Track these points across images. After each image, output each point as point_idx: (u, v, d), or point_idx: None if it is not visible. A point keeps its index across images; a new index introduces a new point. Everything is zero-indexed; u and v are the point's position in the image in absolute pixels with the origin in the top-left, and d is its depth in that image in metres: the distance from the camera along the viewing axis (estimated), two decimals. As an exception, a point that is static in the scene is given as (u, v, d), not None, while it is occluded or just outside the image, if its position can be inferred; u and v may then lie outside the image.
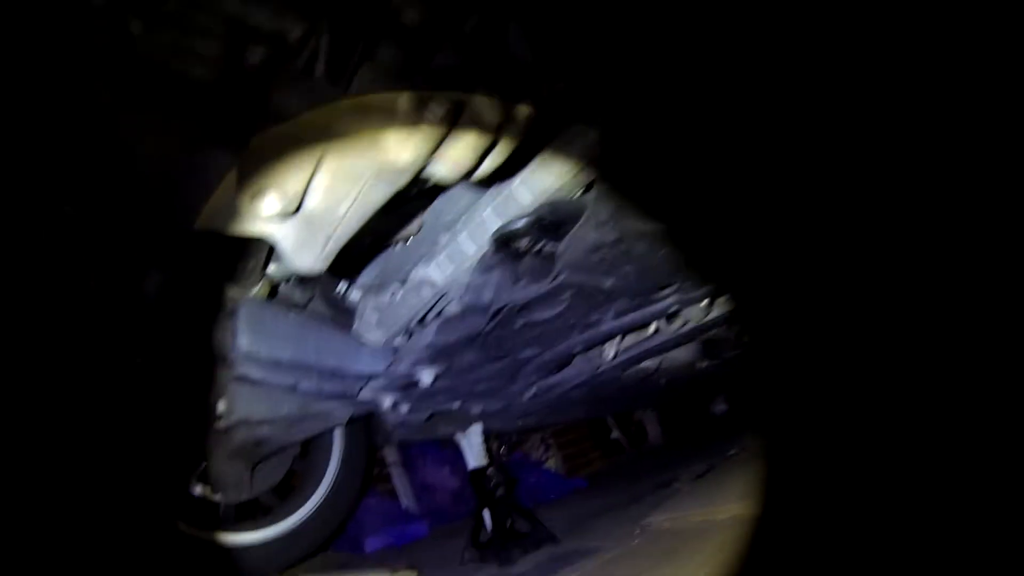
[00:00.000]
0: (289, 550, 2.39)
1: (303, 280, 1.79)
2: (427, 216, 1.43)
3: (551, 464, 4.08)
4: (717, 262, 1.51)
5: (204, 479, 2.34)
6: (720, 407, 4.53)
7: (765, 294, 1.85)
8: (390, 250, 1.59)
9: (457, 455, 3.49)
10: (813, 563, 1.53)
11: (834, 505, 1.79)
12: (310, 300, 1.74)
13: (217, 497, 2.37)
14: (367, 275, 1.64)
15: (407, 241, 1.54)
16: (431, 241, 1.46)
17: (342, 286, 1.75)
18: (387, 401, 1.85)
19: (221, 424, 1.95)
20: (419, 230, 1.46)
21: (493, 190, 1.30)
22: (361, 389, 1.78)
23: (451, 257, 1.46)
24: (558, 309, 1.38)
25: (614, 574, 1.85)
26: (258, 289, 1.61)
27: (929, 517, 1.39)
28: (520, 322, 1.39)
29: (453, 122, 0.93)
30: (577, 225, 1.15)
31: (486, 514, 2.36)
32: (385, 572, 2.22)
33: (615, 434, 4.63)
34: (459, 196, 1.34)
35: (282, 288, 1.76)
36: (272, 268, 1.64)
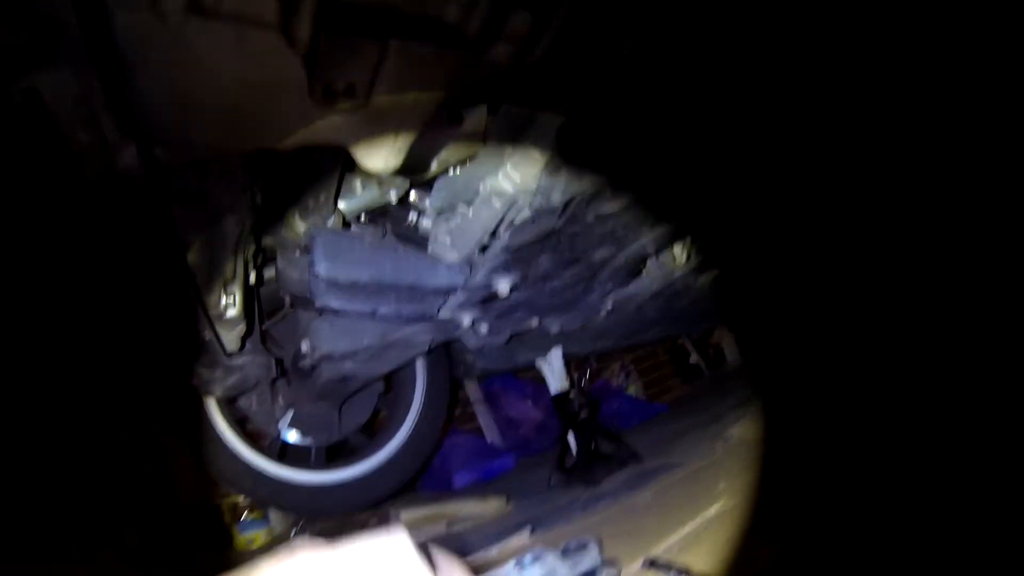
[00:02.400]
0: (380, 485, 2.46)
1: (373, 217, 1.81)
2: (495, 127, 1.42)
3: (632, 391, 4.08)
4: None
5: (296, 424, 2.42)
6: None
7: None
8: (454, 173, 1.59)
9: (538, 389, 3.53)
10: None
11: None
12: (384, 237, 1.77)
13: (308, 441, 2.45)
14: (435, 201, 1.65)
15: (471, 160, 1.54)
16: (497, 153, 1.46)
17: (412, 217, 1.76)
18: (466, 319, 1.86)
19: (306, 363, 2.01)
20: (484, 142, 1.46)
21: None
22: (440, 308, 1.79)
23: (518, 165, 1.47)
24: (627, 198, 1.37)
25: (700, 483, 1.86)
26: (331, 223, 1.64)
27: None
28: (591, 216, 1.38)
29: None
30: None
31: (571, 437, 2.38)
32: (475, 500, 2.27)
33: (694, 358, 4.59)
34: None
35: (353, 227, 1.78)
36: (342, 204, 1.67)
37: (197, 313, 1.66)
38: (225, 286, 1.65)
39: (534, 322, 2.08)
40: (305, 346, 1.96)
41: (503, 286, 1.64)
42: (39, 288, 1.58)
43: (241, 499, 2.77)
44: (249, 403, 2.30)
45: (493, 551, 1.67)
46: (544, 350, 2.45)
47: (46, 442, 2.32)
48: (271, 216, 1.68)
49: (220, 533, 2.81)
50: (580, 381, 3.84)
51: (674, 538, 1.42)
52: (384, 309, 1.71)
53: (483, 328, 1.93)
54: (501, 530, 1.87)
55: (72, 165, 1.13)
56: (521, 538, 1.71)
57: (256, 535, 2.75)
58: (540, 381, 2.73)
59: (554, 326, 2.18)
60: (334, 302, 1.69)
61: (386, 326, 1.88)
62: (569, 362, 2.48)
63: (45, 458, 2.35)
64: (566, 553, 1.30)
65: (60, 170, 1.16)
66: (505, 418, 3.49)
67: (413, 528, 2.12)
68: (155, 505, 2.92)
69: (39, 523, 2.29)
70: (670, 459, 2.28)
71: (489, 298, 1.74)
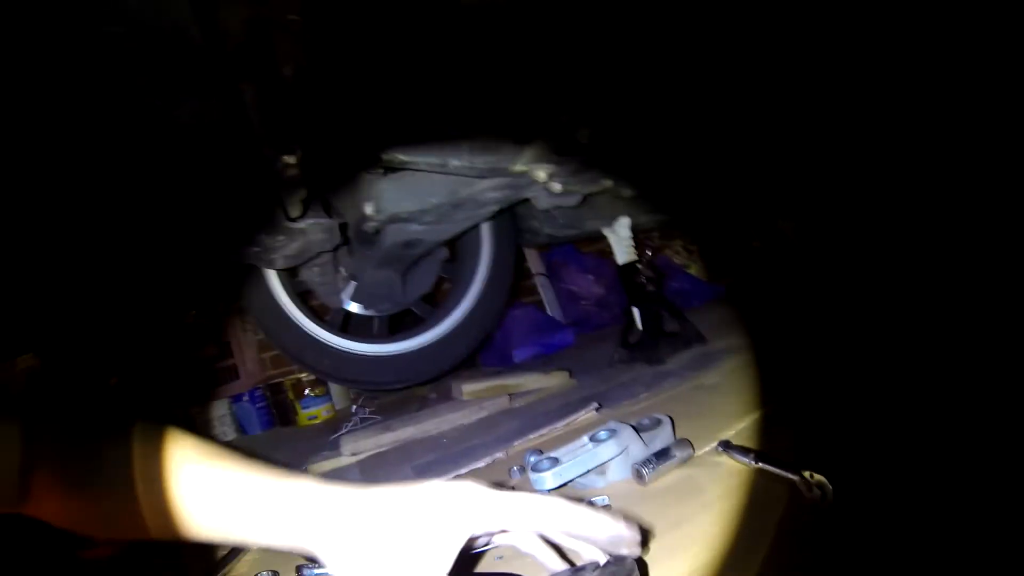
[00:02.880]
0: (444, 356, 2.43)
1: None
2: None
3: (693, 271, 3.98)
4: None
5: (359, 295, 2.37)
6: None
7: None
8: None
9: (600, 263, 3.44)
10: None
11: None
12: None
13: (371, 311, 2.42)
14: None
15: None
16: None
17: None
18: (542, 173, 1.75)
19: (370, 226, 1.94)
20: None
21: None
22: (514, 159, 1.69)
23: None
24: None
25: (770, 370, 1.78)
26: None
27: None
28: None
29: None
30: None
31: (636, 311, 2.30)
32: (538, 374, 2.24)
33: (756, 242, 4.46)
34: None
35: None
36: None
37: (257, 174, 1.59)
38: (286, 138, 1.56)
39: (608, 183, 1.97)
40: (369, 208, 1.89)
41: (583, 132, 1.52)
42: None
43: (304, 376, 2.81)
44: (311, 275, 2.25)
45: (559, 426, 1.63)
46: (611, 218, 2.34)
47: (114, 324, 2.35)
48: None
49: (283, 409, 2.89)
50: (646, 252, 3.71)
51: (746, 422, 1.35)
52: (456, 162, 1.61)
53: (557, 186, 1.82)
54: (565, 405, 1.83)
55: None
56: (588, 413, 1.67)
57: (318, 411, 2.83)
58: (602, 255, 2.64)
59: (626, 190, 2.07)
60: (401, 154, 1.59)
61: (456, 182, 1.80)
62: (635, 233, 2.36)
63: (113, 339, 2.39)
64: (640, 428, 1.24)
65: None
66: (566, 292, 3.42)
67: (475, 401, 2.10)
68: (220, 384, 3.02)
69: (106, 404, 2.35)
70: (733, 341, 2.20)
71: (568, 146, 1.62)
